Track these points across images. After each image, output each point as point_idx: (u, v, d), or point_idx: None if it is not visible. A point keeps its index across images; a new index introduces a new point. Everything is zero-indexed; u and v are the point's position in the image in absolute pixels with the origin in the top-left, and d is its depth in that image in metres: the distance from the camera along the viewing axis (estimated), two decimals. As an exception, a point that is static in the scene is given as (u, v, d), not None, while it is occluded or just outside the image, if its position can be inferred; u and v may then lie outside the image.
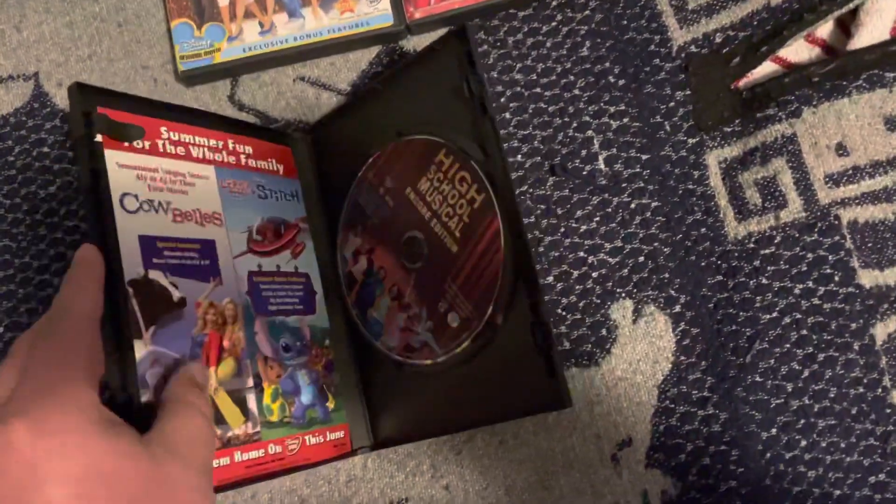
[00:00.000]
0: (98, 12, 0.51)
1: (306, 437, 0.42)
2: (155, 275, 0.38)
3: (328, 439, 0.43)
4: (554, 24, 0.49)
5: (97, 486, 0.28)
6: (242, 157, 0.45)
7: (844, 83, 0.45)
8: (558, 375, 0.36)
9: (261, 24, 0.49)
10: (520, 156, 0.48)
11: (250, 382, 0.40)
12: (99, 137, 0.38)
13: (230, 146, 0.45)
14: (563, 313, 0.46)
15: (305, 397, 0.43)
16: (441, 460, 0.45)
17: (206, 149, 0.43)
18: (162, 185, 0.40)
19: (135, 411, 0.34)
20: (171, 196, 0.40)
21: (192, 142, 0.43)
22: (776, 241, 0.44)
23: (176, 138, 0.42)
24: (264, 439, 0.40)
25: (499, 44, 0.49)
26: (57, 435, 0.28)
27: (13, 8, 0.52)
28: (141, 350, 0.36)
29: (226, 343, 0.40)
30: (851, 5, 0.45)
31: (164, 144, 0.41)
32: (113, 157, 0.39)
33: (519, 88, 0.49)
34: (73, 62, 0.51)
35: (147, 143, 0.40)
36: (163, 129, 0.41)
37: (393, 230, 0.44)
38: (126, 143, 0.39)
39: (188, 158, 0.42)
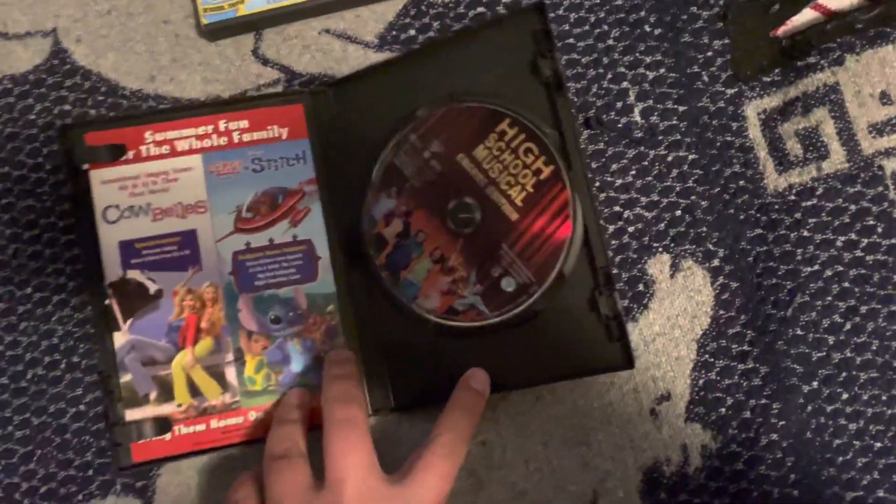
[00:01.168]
0: (117, -35, 0.50)
1: None
2: (133, 274, 0.44)
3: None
4: (587, -29, 0.47)
5: None
6: (235, 134, 0.46)
7: (888, 30, 0.44)
8: (625, 338, 0.40)
9: (285, -25, 0.47)
10: (553, 108, 0.47)
11: (230, 357, 0.44)
12: (85, 166, 0.44)
13: (221, 127, 0.45)
14: (600, 268, 0.45)
15: (296, 366, 0.44)
16: (477, 417, 0.45)
17: (193, 139, 0.45)
18: (143, 189, 0.45)
19: None
20: (151, 197, 0.45)
21: (177, 136, 0.45)
22: (818, 193, 0.44)
23: (161, 139, 0.45)
24: (244, 407, 0.44)
25: (530, -7, 0.48)
26: None
27: (29, -39, 0.50)
28: (120, 340, 0.44)
29: (203, 324, 0.44)
30: (898, -53, 0.44)
31: (147, 149, 0.45)
32: (97, 176, 0.44)
33: (551, 39, 0.47)
34: (91, 17, 0.50)
35: (131, 153, 0.45)
36: (147, 133, 0.45)
37: (439, 194, 0.44)
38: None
39: (173, 154, 0.45)
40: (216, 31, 0.48)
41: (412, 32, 0.48)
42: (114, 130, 0.45)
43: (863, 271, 0.43)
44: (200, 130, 0.45)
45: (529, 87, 0.43)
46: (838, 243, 0.43)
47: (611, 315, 0.40)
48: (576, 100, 0.47)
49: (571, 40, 0.47)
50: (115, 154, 0.45)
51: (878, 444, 0.42)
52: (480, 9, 0.48)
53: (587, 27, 0.47)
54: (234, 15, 0.47)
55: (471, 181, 0.43)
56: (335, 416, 0.39)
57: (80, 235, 0.44)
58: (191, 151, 0.45)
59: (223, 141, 0.46)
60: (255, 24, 0.48)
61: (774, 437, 0.42)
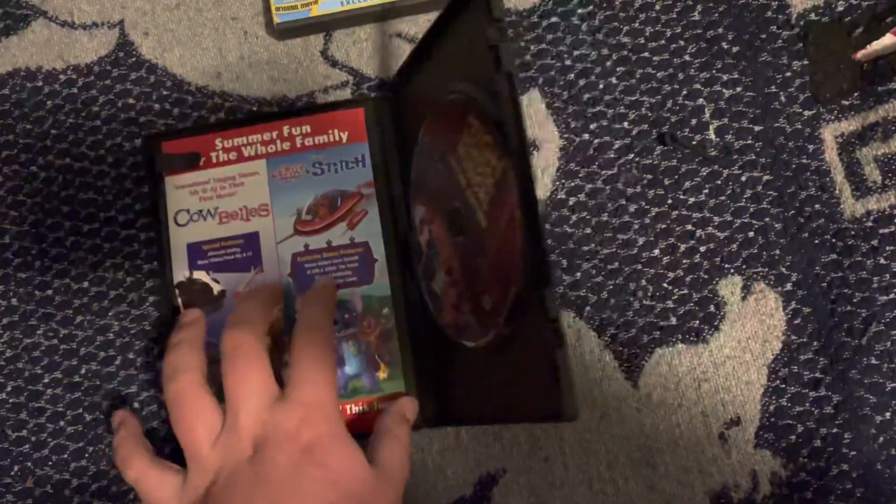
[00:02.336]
0: (188, -41, 0.49)
1: (348, 406, 0.43)
2: (199, 274, 0.44)
3: (376, 409, 0.43)
4: (665, -15, 0.47)
5: (343, 479, 0.36)
6: (298, 139, 0.46)
7: (973, 58, 0.43)
8: (562, 383, 0.30)
9: (360, -23, 0.47)
10: (626, 123, 0.46)
11: (287, 357, 0.42)
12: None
13: (285, 132, 0.46)
14: (670, 288, 0.44)
15: (350, 368, 0.43)
16: (539, 432, 0.44)
17: (258, 145, 0.46)
18: (212, 193, 0.45)
19: None
20: (219, 201, 0.45)
21: (244, 143, 0.46)
22: (896, 221, 0.43)
23: (229, 145, 0.46)
24: None
25: (605, 4, 0.47)
26: (327, 434, 0.37)
27: (98, -49, 0.50)
28: None
29: None
30: None
31: (217, 155, 0.46)
32: (171, 182, 0.45)
33: (626, 52, 0.47)
34: (159, 11, 0.49)
35: (202, 160, 0.45)
36: (217, 140, 0.46)
37: (442, 200, 0.39)
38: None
39: (240, 160, 0.46)
40: (287, 31, 0.47)
41: (484, 40, 0.48)
42: (189, 138, 0.46)
43: (941, 302, 0.42)
44: (266, 136, 0.46)
45: (489, 69, 0.32)
46: (916, 273, 0.42)
47: (550, 350, 0.30)
48: (650, 115, 0.46)
49: (646, 54, 0.47)
50: (192, 161, 0.45)
51: (951, 479, 0.41)
52: (554, 19, 0.47)
53: (663, 41, 0.47)
54: (308, 15, 0.47)
55: (458, 184, 0.37)
56: (226, 345, 0.38)
57: (155, 239, 0.45)
58: (256, 157, 0.46)
59: (286, 146, 0.46)
60: (328, 25, 0.48)
61: (845, 467, 0.42)
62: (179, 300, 0.44)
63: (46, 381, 0.46)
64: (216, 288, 0.44)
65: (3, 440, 0.45)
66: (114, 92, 0.49)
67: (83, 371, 0.46)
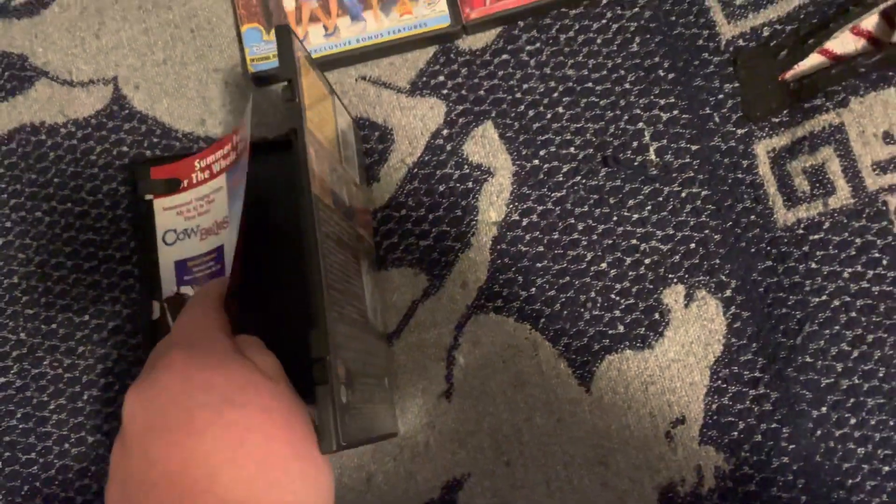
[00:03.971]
0: (172, 19, 0.55)
1: None
2: (185, 289, 0.48)
3: None
4: (604, 21, 0.51)
5: (235, 392, 0.34)
6: (240, 145, 0.47)
7: (890, 73, 0.47)
8: (321, 418, 0.33)
9: (325, 28, 0.52)
10: (573, 148, 0.50)
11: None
12: (149, 197, 0.50)
13: (234, 143, 0.48)
14: (618, 298, 0.48)
15: None
16: (502, 438, 0.47)
17: (221, 160, 0.48)
18: (194, 213, 0.49)
19: None
20: (199, 219, 0.49)
21: (213, 160, 0.49)
22: (825, 227, 0.46)
23: (204, 164, 0.49)
24: None
25: (551, 41, 0.51)
26: (202, 357, 0.35)
27: (92, 17, 0.55)
28: None
29: None
30: (897, -3, 0.46)
31: (196, 175, 0.49)
32: (160, 204, 0.49)
33: (571, 84, 0.51)
34: (148, 66, 0.54)
35: (185, 182, 0.49)
36: (196, 162, 0.49)
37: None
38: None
39: (211, 178, 0.49)
40: (262, 79, 0.52)
41: (441, 78, 0.52)
42: (171, 165, 0.50)
43: (869, 301, 0.45)
44: (224, 151, 0.48)
45: None
46: (845, 275, 0.45)
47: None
48: (594, 140, 0.50)
49: (590, 84, 0.50)
50: (172, 186, 0.49)
51: (886, 468, 0.43)
52: (505, 56, 0.52)
53: (605, 72, 0.50)
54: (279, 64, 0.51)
55: None
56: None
57: (141, 256, 0.49)
58: (221, 172, 0.48)
59: (234, 155, 0.48)
60: (297, 72, 0.52)
61: (785, 459, 0.44)
62: (169, 315, 0.47)
63: (52, 407, 0.50)
64: None
65: (13, 462, 0.50)
66: (109, 142, 0.54)
67: (86, 397, 0.50)
